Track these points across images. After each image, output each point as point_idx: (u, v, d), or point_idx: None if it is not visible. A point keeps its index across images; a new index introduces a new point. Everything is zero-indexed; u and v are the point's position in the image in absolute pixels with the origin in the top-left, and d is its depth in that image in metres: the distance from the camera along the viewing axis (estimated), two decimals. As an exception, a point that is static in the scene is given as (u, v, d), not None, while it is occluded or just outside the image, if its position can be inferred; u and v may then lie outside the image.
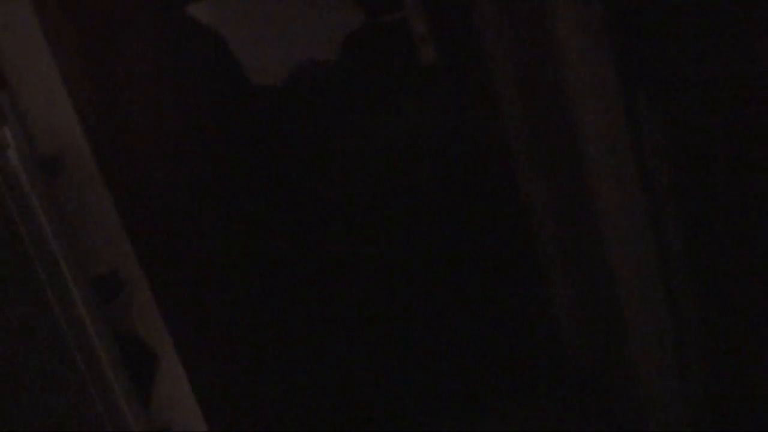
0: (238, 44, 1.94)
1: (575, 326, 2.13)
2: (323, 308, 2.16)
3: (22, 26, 1.57)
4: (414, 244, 2.16)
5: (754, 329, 1.46)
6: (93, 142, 1.66)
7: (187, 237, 1.95)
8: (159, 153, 1.90)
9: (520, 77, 1.95)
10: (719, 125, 1.48)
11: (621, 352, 1.78)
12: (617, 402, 1.93)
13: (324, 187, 2.10)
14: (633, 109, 1.56)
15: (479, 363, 2.22)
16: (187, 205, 1.96)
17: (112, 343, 1.39)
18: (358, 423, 2.21)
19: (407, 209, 2.14)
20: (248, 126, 2.03)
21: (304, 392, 2.18)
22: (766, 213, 1.29)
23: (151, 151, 1.88)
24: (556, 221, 2.03)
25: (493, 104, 2.04)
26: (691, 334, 1.68)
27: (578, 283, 2.02)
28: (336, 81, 2.04)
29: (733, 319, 1.53)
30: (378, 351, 2.21)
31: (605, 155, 1.62)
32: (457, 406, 2.20)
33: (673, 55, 1.47)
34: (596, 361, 2.05)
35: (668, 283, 1.70)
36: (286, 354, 2.14)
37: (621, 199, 1.66)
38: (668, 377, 1.73)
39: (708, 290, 1.60)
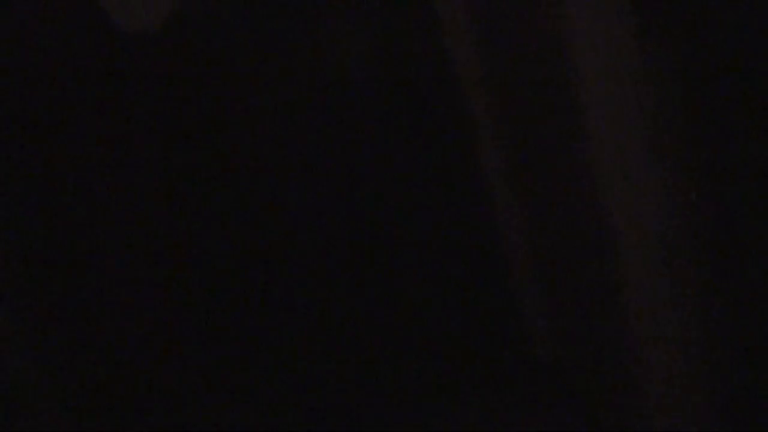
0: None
1: (551, 319, 1.85)
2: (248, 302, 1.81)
3: None
4: (352, 224, 1.80)
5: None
6: None
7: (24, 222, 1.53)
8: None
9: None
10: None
11: (618, 350, 1.51)
12: (608, 402, 1.70)
13: (219, 160, 1.68)
14: (646, 46, 1.19)
15: (446, 359, 1.96)
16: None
17: None
18: (314, 423, 1.97)
19: (337, 182, 1.74)
20: (116, 84, 1.59)
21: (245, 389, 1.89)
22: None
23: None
24: (529, 182, 1.65)
25: (436, 27, 1.62)
26: (700, 331, 1.44)
27: (556, 267, 1.70)
28: (230, 21, 1.60)
29: (746, 314, 1.34)
30: (337, 348, 1.91)
31: (607, 105, 1.25)
32: (425, 404, 1.97)
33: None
34: (578, 357, 1.80)
35: (672, 270, 1.42)
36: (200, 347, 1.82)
37: (620, 155, 1.29)
38: (674, 373, 1.49)
39: (718, 279, 1.35)
